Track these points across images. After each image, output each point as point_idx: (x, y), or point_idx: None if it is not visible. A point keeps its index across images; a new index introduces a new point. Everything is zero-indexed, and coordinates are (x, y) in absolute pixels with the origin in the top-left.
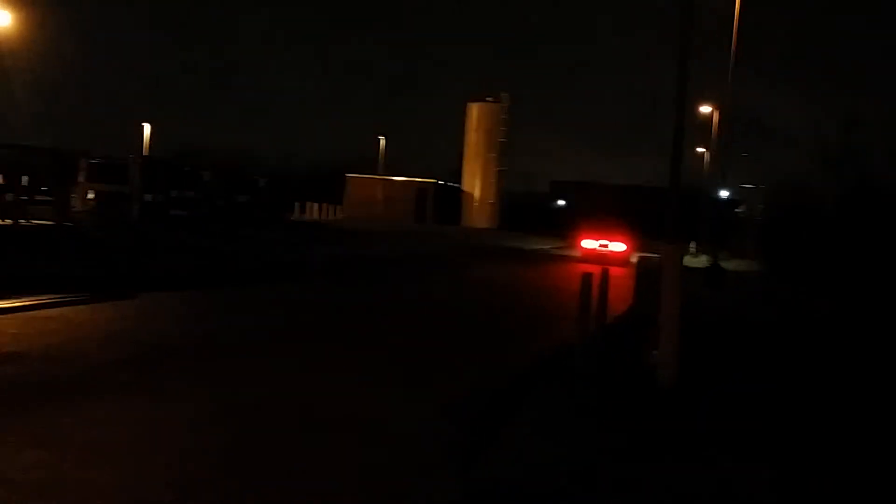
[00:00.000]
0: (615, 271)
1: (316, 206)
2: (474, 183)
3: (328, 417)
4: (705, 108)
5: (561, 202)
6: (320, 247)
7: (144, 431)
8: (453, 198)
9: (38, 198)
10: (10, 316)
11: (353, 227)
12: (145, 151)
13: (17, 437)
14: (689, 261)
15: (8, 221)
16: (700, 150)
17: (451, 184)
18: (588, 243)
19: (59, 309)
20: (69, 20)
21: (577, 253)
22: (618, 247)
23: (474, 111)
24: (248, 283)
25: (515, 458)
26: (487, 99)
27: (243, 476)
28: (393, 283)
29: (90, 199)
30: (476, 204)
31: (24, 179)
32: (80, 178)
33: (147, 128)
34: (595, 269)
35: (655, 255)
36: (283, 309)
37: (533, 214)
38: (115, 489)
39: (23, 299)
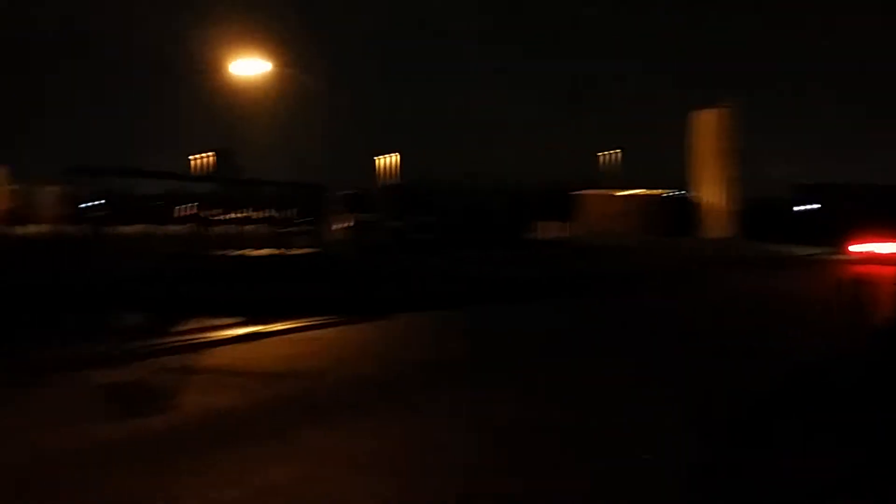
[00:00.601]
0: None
1: (547, 224)
2: (707, 191)
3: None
4: None
5: (808, 206)
6: (561, 264)
7: (410, 447)
8: (686, 208)
9: (299, 229)
10: (281, 337)
11: (588, 243)
12: (392, 181)
13: (286, 451)
14: None
15: (274, 251)
16: None
17: (683, 193)
18: (875, 247)
19: (322, 330)
20: (320, 60)
21: (859, 257)
22: None
23: (703, 118)
24: (496, 302)
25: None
26: (717, 104)
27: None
28: (659, 295)
29: (344, 228)
30: (711, 213)
31: (287, 212)
32: (335, 209)
33: (390, 158)
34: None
35: None
36: (543, 325)
37: (774, 220)
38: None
39: (291, 322)
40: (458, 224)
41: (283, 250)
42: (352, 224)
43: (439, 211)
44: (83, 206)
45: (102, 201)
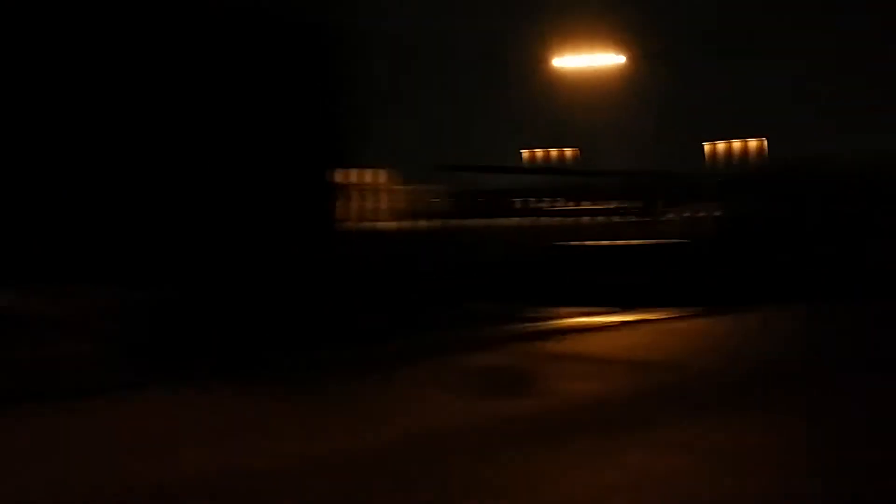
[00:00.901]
0: None
1: None
2: None
3: None
4: None
5: None
6: None
7: (796, 446)
8: None
9: (643, 219)
10: (633, 328)
11: None
12: (747, 168)
13: (653, 441)
14: None
15: (619, 241)
16: None
17: None
18: None
19: (676, 322)
20: (663, 47)
21: None
22: None
23: None
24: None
25: None
26: None
27: None
28: None
29: (690, 217)
30: None
31: (629, 203)
32: (678, 198)
33: (750, 143)
34: None
35: None
36: None
37: None
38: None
39: (642, 312)
40: (821, 211)
41: (629, 241)
42: (699, 214)
43: (798, 199)
44: (444, 200)
45: (462, 196)
